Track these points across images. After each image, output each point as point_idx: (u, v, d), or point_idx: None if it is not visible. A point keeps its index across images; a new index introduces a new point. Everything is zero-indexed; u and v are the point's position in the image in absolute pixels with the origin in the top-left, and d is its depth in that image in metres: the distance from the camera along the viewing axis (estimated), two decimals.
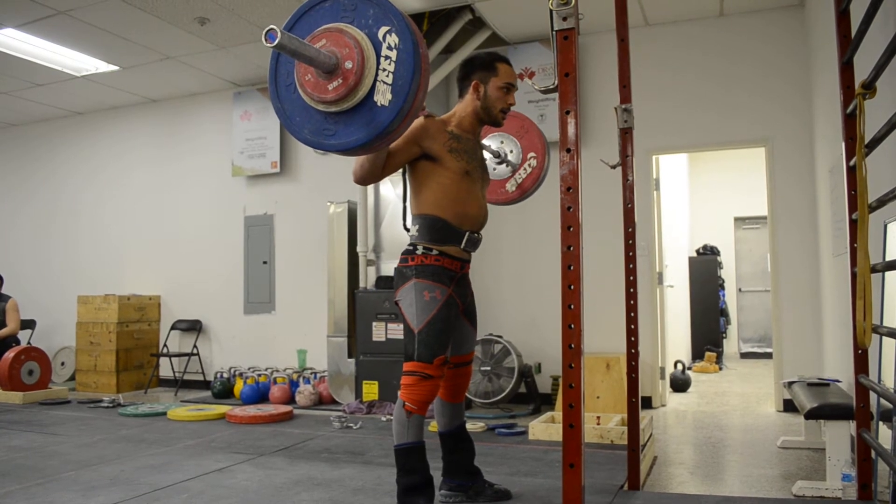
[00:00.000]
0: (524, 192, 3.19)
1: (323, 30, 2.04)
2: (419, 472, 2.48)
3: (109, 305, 6.80)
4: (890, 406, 2.46)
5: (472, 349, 2.80)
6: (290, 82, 2.10)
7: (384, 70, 1.99)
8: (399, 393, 2.51)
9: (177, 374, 6.86)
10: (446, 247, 2.57)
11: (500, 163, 3.17)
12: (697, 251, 9.13)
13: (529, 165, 3.17)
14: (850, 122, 2.39)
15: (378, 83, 2.00)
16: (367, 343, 5.35)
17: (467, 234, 2.61)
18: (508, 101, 2.72)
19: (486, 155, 3.05)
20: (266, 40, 1.80)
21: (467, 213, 2.61)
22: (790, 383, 3.90)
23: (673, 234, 7.01)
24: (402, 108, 1.99)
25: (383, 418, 4.86)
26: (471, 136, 2.70)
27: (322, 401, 5.71)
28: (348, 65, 1.98)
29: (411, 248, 2.59)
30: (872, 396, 2.49)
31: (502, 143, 3.19)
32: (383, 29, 2.00)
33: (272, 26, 1.80)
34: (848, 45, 2.48)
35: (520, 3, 5.08)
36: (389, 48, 1.98)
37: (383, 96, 2.00)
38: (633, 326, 2.88)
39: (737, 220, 9.75)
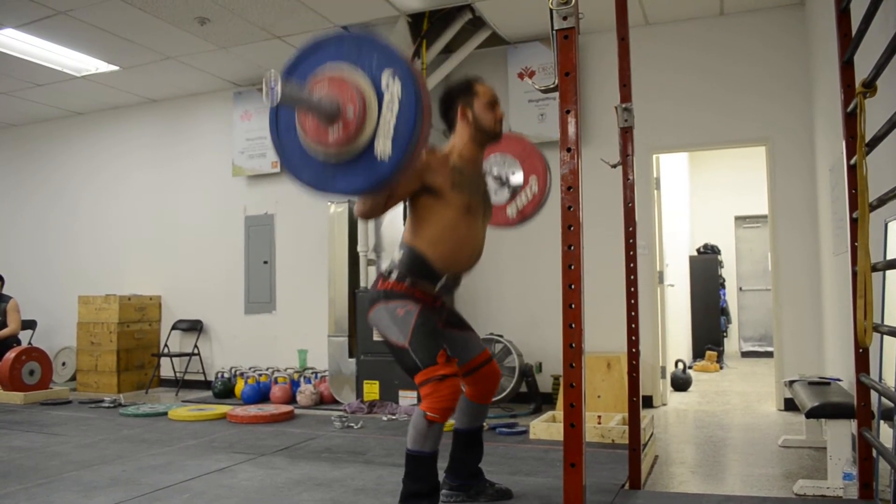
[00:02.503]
0: (525, 217, 3.14)
1: (326, 73, 2.02)
2: (427, 480, 2.46)
3: (110, 305, 6.80)
4: (891, 405, 2.46)
5: (480, 350, 2.76)
6: (291, 125, 2.09)
7: (386, 120, 1.97)
8: (418, 406, 2.43)
9: (178, 375, 6.86)
10: (420, 282, 2.55)
11: (501, 186, 3.11)
12: (698, 250, 9.13)
13: (531, 190, 3.11)
14: (851, 121, 2.38)
15: (379, 133, 1.98)
16: (368, 343, 5.35)
17: (445, 277, 2.58)
18: (498, 115, 2.67)
19: (488, 179, 3.01)
20: (267, 98, 1.80)
21: (460, 253, 2.58)
22: (791, 382, 3.90)
23: (673, 233, 7.01)
24: (403, 159, 1.97)
25: (384, 418, 4.87)
26: (473, 167, 2.66)
27: (323, 400, 5.71)
28: (350, 113, 1.96)
29: (387, 273, 2.58)
30: (873, 395, 2.49)
31: (504, 164, 3.14)
32: (386, 76, 1.98)
33: (273, 79, 1.79)
34: (848, 43, 2.48)
35: (520, 3, 5.07)
36: (392, 97, 1.96)
37: (384, 146, 1.98)
38: (633, 325, 2.88)
39: (737, 218, 9.75)
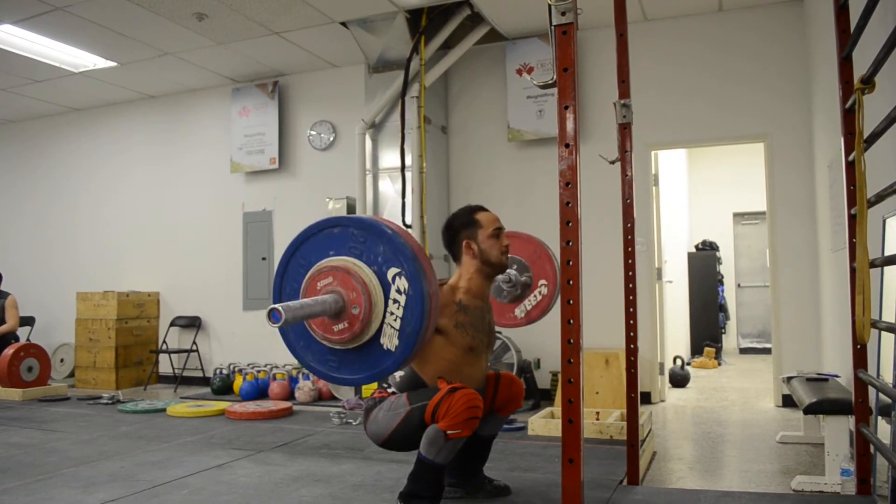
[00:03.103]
0: (531, 320, 3.14)
1: (330, 267, 2.01)
2: (433, 485, 2.46)
3: (108, 302, 6.79)
4: (889, 401, 2.46)
5: (485, 380, 2.72)
6: None
7: (392, 314, 1.95)
8: (437, 426, 2.36)
9: (176, 371, 6.86)
10: None
11: (511, 287, 3.09)
12: (696, 247, 9.13)
13: (540, 293, 3.09)
14: (849, 117, 2.38)
15: (385, 326, 1.97)
16: None
17: None
18: (503, 245, 2.61)
19: (498, 279, 3.00)
20: (270, 321, 1.82)
21: None
22: (789, 378, 3.90)
23: (672, 229, 7.02)
24: (409, 354, 1.97)
25: None
26: (480, 303, 2.61)
27: (321, 397, 5.71)
28: (355, 310, 1.95)
29: (388, 387, 2.57)
30: (871, 391, 2.50)
31: (513, 266, 3.11)
32: (393, 270, 1.96)
33: (274, 308, 1.80)
34: (847, 39, 2.48)
35: None
36: (398, 292, 1.94)
37: (390, 341, 1.97)
38: (632, 322, 2.88)
39: (736, 215, 9.75)
